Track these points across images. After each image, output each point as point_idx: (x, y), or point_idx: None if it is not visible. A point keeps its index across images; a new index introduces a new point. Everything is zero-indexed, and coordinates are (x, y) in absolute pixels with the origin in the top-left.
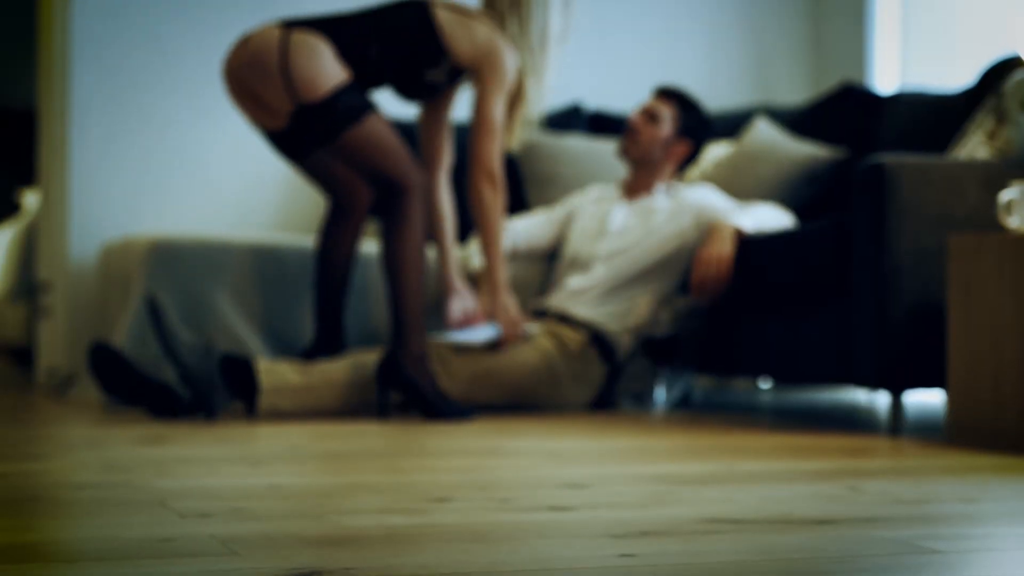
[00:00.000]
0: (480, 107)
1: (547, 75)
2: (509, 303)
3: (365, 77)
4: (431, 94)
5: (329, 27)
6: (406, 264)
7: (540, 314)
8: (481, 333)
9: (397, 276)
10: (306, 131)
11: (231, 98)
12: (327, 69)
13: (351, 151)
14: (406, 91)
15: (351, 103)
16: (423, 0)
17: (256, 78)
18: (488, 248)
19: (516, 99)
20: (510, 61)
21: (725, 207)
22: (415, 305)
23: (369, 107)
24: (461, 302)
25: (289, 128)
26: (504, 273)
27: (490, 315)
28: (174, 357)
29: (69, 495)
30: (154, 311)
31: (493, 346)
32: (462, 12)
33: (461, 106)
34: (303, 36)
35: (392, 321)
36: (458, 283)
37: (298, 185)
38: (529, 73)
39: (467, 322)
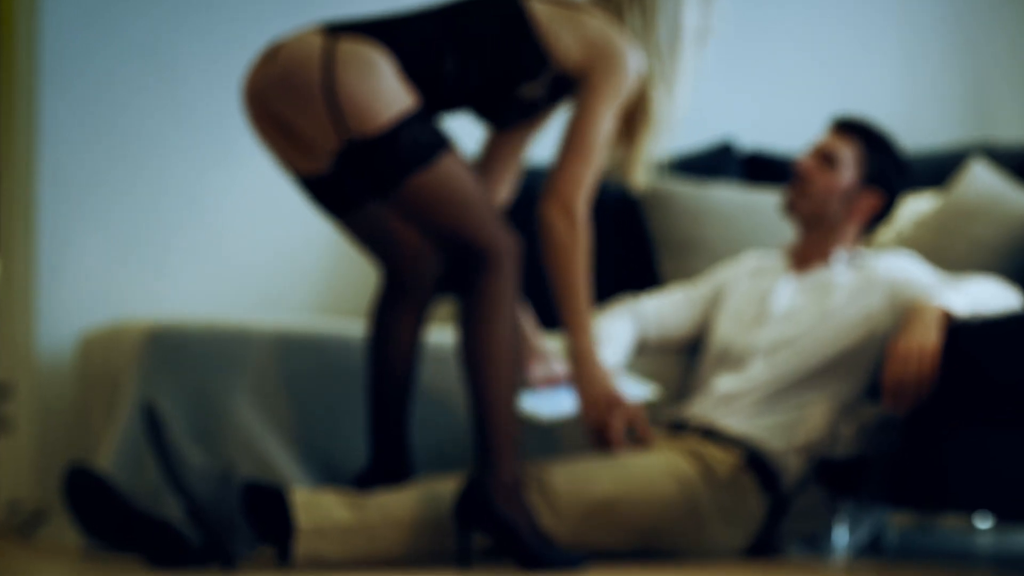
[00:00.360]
0: (578, 122)
1: (680, 87)
2: (597, 374)
3: (438, 99)
4: (522, 116)
5: (388, 33)
6: (493, 360)
7: (678, 428)
8: (561, 402)
9: (482, 377)
10: (357, 176)
11: (253, 128)
12: (387, 91)
13: (417, 205)
14: (491, 114)
15: (419, 139)
16: (521, 3)
17: (290, 103)
18: (566, 303)
19: (640, 117)
20: (632, 62)
21: (929, 282)
22: (506, 416)
23: (443, 144)
24: (543, 367)
25: (333, 171)
26: (590, 337)
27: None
28: (179, 485)
29: None
30: (152, 423)
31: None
32: (566, 4)
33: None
34: (354, 46)
35: (476, 438)
36: (539, 342)
37: (343, 252)
38: (657, 82)
39: (547, 383)
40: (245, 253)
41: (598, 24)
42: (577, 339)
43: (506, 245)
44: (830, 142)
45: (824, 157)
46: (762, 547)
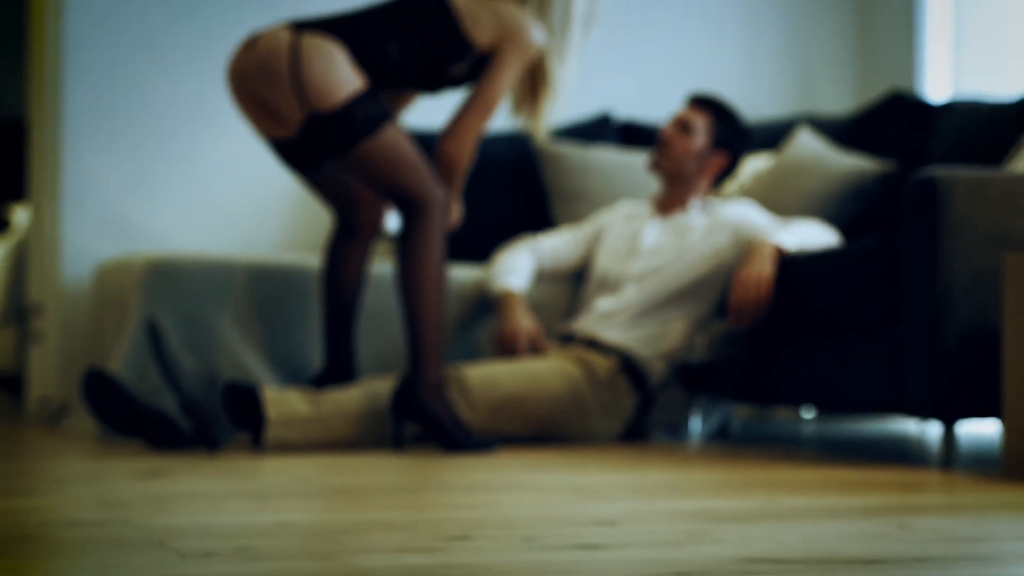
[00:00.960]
0: (484, 80)
1: (570, 59)
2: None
3: (385, 80)
4: (451, 87)
5: (342, 28)
6: (424, 285)
7: (567, 339)
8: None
9: (414, 299)
10: (317, 142)
11: (235, 102)
12: (342, 76)
13: (366, 164)
14: (426, 88)
15: (368, 113)
16: None
17: (264, 84)
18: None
19: (540, 84)
20: (535, 35)
21: (765, 224)
22: (433, 330)
23: (387, 117)
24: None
25: (298, 137)
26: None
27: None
28: (175, 386)
29: (62, 534)
30: (154, 336)
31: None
32: None
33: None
34: (316, 40)
35: (408, 347)
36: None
37: (306, 200)
38: (552, 55)
39: None
40: (227, 199)
41: (506, 6)
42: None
43: (438, 195)
44: (687, 114)
45: (682, 126)
46: (634, 434)
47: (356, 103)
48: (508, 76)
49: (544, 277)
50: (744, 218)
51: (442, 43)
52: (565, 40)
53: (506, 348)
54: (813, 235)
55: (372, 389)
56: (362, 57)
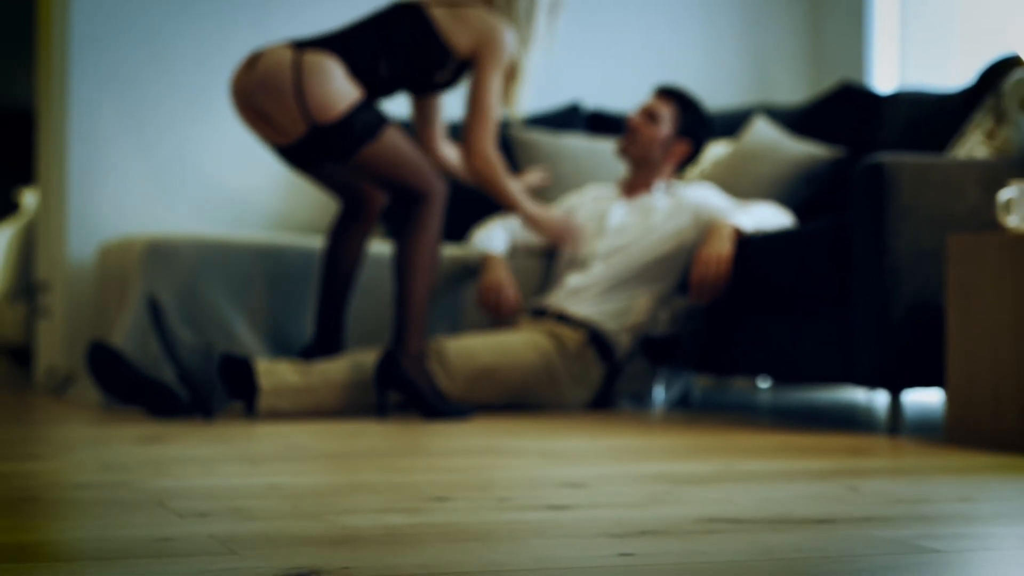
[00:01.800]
0: (476, 90)
1: (535, 46)
2: (548, 214)
3: (377, 90)
4: (437, 90)
5: (338, 46)
6: (417, 267)
7: (539, 313)
8: None
9: (407, 278)
10: (320, 150)
11: (238, 115)
12: (341, 89)
13: (369, 166)
14: (415, 93)
15: (367, 120)
16: (417, 2)
17: (268, 99)
18: (509, 203)
19: (512, 72)
20: (508, 38)
21: (724, 206)
22: (420, 307)
23: (385, 121)
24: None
25: (300, 144)
26: (530, 204)
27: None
28: (173, 358)
29: (67, 495)
30: (155, 312)
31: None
32: (453, 3)
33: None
34: (316, 57)
35: (394, 321)
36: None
37: (297, 185)
38: (519, 44)
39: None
40: (223, 183)
41: (479, 15)
42: (523, 210)
43: (438, 187)
44: (654, 104)
45: (649, 115)
46: (601, 402)
47: (355, 113)
48: (493, 79)
49: (518, 252)
50: (704, 200)
51: (426, 55)
52: (531, 29)
53: (490, 299)
54: (769, 216)
55: (357, 361)
56: (357, 72)
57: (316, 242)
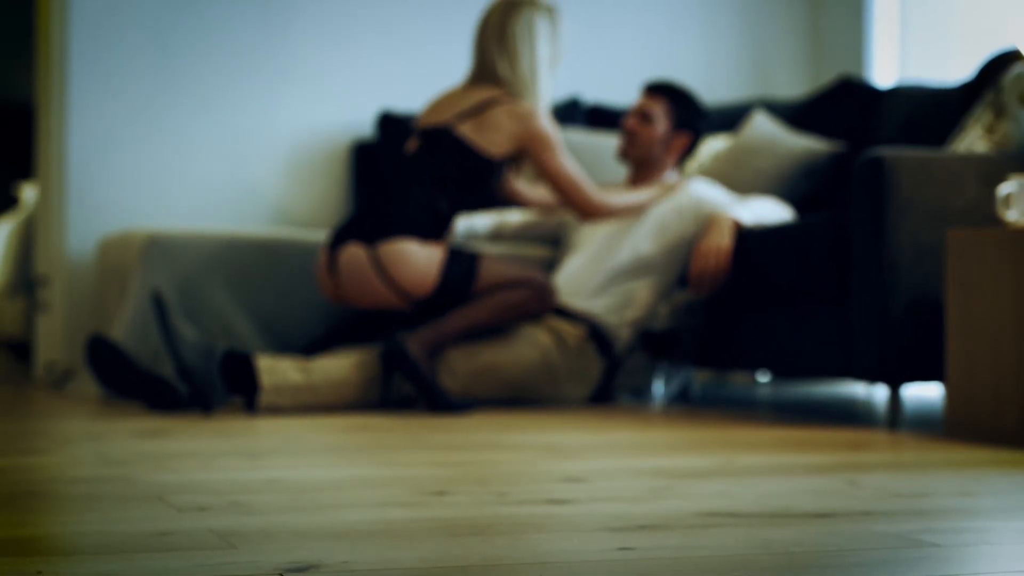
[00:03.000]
0: (551, 179)
1: (544, 94)
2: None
3: (448, 223)
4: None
5: (397, 219)
6: (489, 308)
7: None
8: None
9: (476, 306)
10: (436, 310)
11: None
12: (424, 262)
13: (482, 292)
14: (485, 202)
15: (460, 270)
16: (444, 126)
17: (363, 296)
18: (638, 207)
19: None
20: (540, 117)
21: (723, 200)
22: (462, 327)
23: (475, 258)
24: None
25: (416, 308)
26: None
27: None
28: (175, 355)
29: (66, 489)
30: (159, 307)
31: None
32: (475, 112)
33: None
34: (388, 247)
35: (437, 317)
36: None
37: (297, 180)
38: (530, 95)
39: None
40: (221, 178)
41: (500, 115)
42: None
43: (535, 280)
44: (644, 103)
45: (642, 115)
46: (601, 397)
47: (447, 272)
48: (555, 159)
49: (524, 237)
50: (704, 194)
51: (475, 174)
52: (536, 83)
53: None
54: (768, 211)
55: (359, 359)
56: (425, 233)
57: (316, 237)
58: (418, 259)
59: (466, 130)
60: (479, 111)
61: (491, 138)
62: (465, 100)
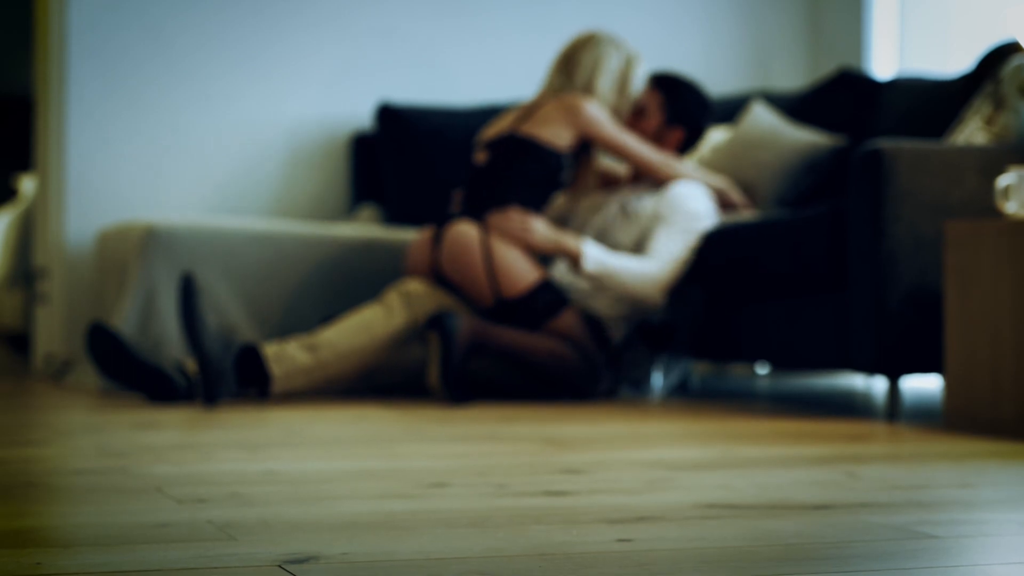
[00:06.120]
0: (625, 157)
1: (635, 89)
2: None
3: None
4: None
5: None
6: (547, 347)
7: None
8: None
9: (539, 336)
10: (508, 319)
11: (414, 277)
12: (525, 268)
13: (550, 333)
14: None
15: (549, 299)
16: (508, 132)
17: (458, 274)
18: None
19: (623, 88)
20: (589, 104)
21: (705, 203)
22: (512, 345)
23: (566, 303)
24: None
25: (488, 312)
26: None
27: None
28: (196, 340)
29: (65, 481)
30: (188, 289)
31: None
32: (527, 116)
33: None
34: (499, 219)
35: (503, 324)
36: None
37: (297, 172)
38: (615, 104)
39: None
40: (220, 171)
41: (549, 108)
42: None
43: (600, 363)
44: (642, 96)
45: (637, 110)
46: (590, 392)
47: (538, 291)
48: (619, 138)
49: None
50: (671, 204)
51: (546, 170)
52: (627, 93)
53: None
54: (628, 271)
55: (361, 321)
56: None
57: (316, 229)
58: (522, 263)
59: (528, 129)
60: (530, 113)
61: (551, 131)
62: (519, 111)
